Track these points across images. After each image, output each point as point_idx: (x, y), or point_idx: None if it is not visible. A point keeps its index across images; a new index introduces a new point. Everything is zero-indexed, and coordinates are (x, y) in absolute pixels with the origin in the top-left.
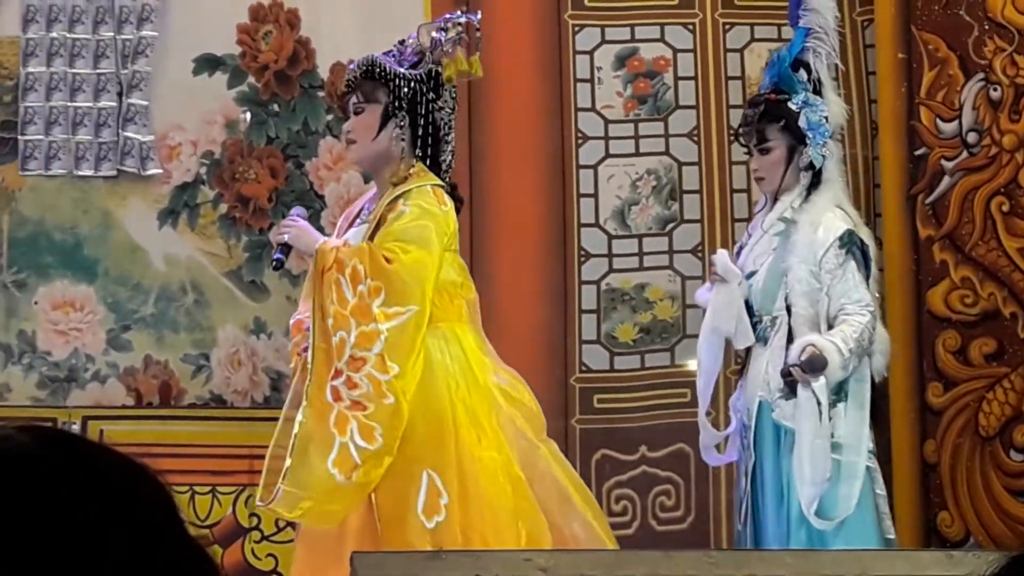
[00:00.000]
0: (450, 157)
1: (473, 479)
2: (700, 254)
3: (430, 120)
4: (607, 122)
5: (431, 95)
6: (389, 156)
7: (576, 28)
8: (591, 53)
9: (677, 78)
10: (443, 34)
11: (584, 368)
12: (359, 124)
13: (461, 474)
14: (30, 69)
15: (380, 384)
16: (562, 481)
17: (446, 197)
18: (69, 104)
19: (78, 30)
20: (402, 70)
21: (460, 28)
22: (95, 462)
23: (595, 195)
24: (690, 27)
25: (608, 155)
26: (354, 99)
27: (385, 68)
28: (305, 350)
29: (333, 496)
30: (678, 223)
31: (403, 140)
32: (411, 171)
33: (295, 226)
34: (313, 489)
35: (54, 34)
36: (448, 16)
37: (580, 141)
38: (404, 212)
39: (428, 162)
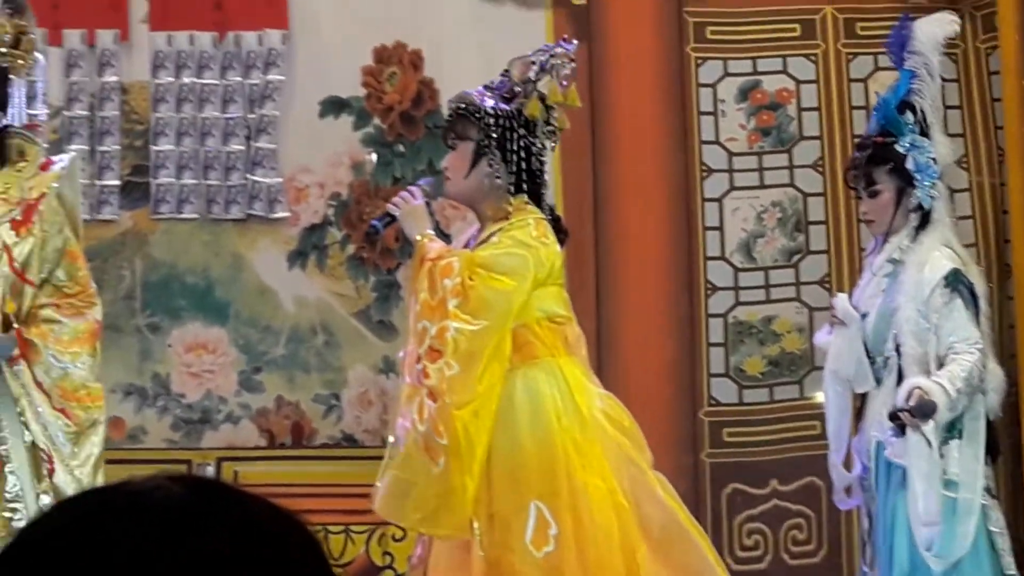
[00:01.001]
0: (548, 193)
1: (583, 510)
2: (827, 285)
3: (523, 156)
4: (731, 155)
5: (521, 130)
6: (483, 192)
7: (699, 61)
8: (714, 86)
9: (800, 109)
10: (538, 67)
11: (713, 402)
12: (452, 160)
13: (571, 506)
14: (160, 114)
15: (443, 380)
16: (672, 507)
17: (549, 231)
18: (199, 148)
19: (206, 75)
20: (491, 106)
21: (555, 59)
22: (246, 511)
23: (720, 228)
24: (813, 58)
25: (732, 188)
26: (449, 135)
27: (475, 105)
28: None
29: (429, 485)
30: (804, 255)
31: (498, 177)
32: (511, 206)
33: (410, 205)
34: (412, 472)
35: (183, 80)
36: (543, 48)
37: (704, 174)
38: (495, 242)
39: (529, 196)
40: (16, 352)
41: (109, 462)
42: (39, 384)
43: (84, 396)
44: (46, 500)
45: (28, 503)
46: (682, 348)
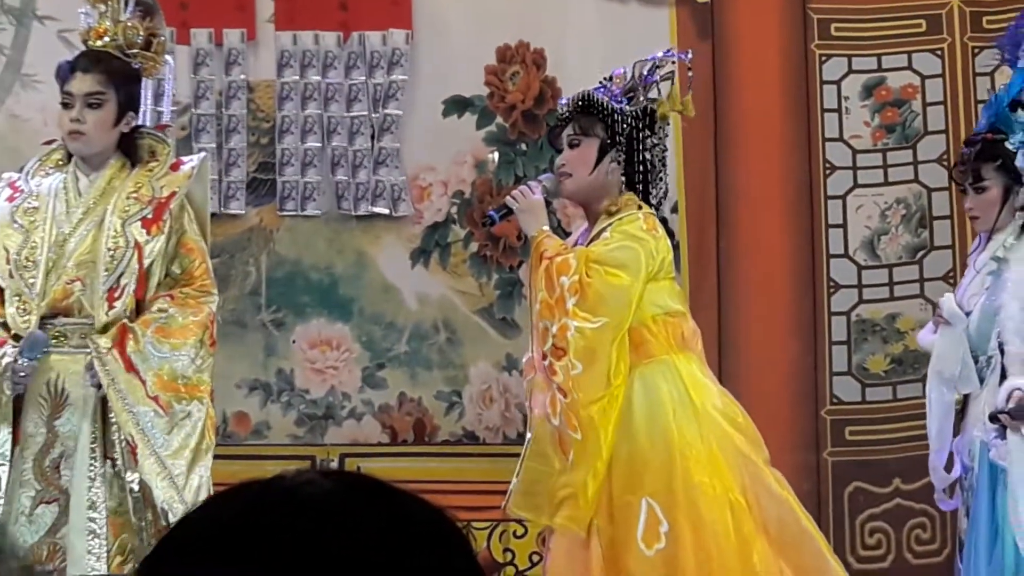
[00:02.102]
0: (663, 191)
1: (696, 508)
2: (951, 280)
3: (642, 156)
4: (855, 152)
5: (646, 131)
6: (603, 190)
7: (823, 58)
8: (838, 83)
9: (925, 104)
10: (656, 71)
11: (835, 400)
12: (574, 158)
13: (685, 504)
14: (285, 112)
15: (569, 379)
16: (789, 503)
17: (658, 223)
18: (324, 146)
19: (331, 75)
20: (619, 105)
21: (672, 65)
22: (395, 506)
23: (844, 225)
24: (938, 52)
25: (856, 185)
26: (569, 132)
27: (603, 103)
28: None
29: (557, 477)
30: (928, 250)
31: (622, 175)
32: (621, 202)
33: (528, 200)
34: (546, 463)
35: (308, 78)
36: (662, 53)
37: (828, 171)
38: (607, 237)
39: (640, 196)
40: (108, 346)
41: (234, 457)
42: (135, 371)
43: (180, 387)
44: (134, 488)
45: (79, 490)
46: (804, 347)
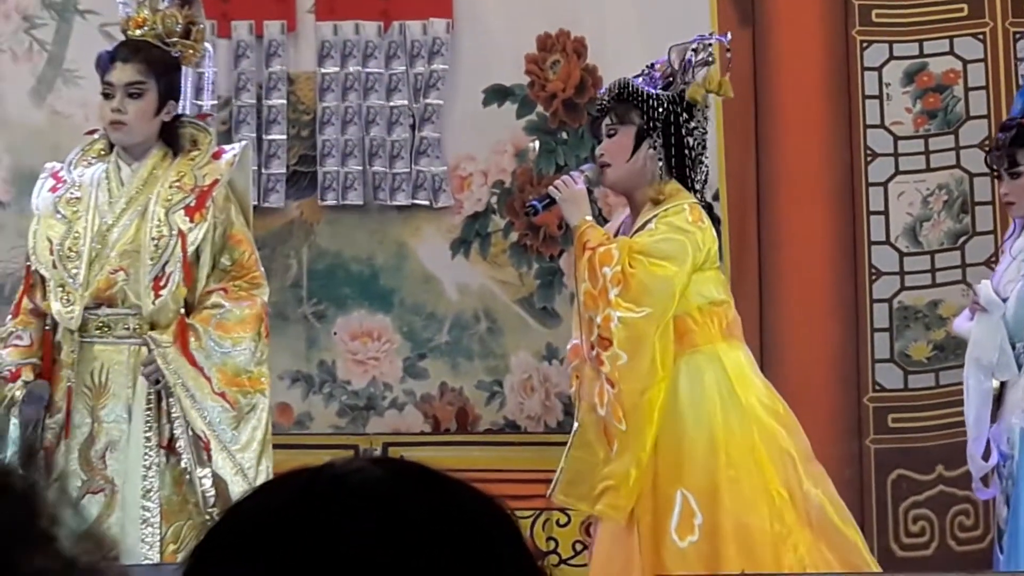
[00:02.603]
0: (704, 176)
1: (733, 501)
2: (994, 265)
3: (683, 141)
4: (896, 138)
5: (684, 116)
6: (644, 177)
7: (864, 44)
8: (879, 69)
9: (967, 89)
10: (694, 55)
11: (877, 387)
12: (613, 146)
13: (722, 496)
14: (326, 103)
15: (615, 369)
16: (820, 499)
17: (703, 214)
18: (364, 136)
19: (371, 65)
20: (654, 91)
21: (710, 49)
22: (446, 494)
23: (885, 212)
24: (980, 36)
25: (898, 172)
26: (607, 121)
27: (638, 90)
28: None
29: (601, 466)
30: (970, 236)
31: (659, 160)
32: (665, 191)
33: (571, 189)
34: (591, 453)
35: (349, 69)
36: (698, 37)
37: (869, 158)
38: (652, 229)
39: (680, 180)
40: (169, 342)
41: (280, 446)
42: (200, 368)
43: (244, 381)
44: (207, 484)
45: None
46: (846, 334)
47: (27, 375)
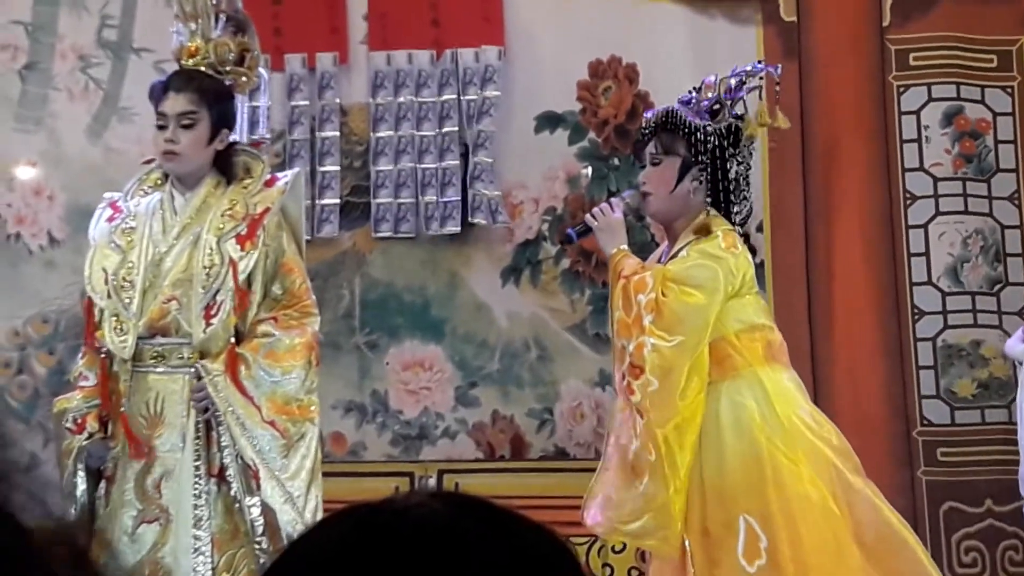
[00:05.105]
0: (746, 209)
1: (795, 521)
2: None
3: (727, 173)
4: (936, 180)
5: (731, 149)
6: (685, 208)
7: (901, 89)
8: (917, 113)
9: (997, 141)
10: (743, 86)
11: (926, 422)
12: (656, 176)
13: (783, 517)
14: (379, 134)
15: (645, 397)
16: (885, 512)
17: (738, 239)
18: (417, 166)
19: (424, 94)
20: (702, 122)
21: (759, 79)
22: (506, 528)
23: (926, 254)
24: (1008, 90)
25: (938, 212)
26: (651, 149)
27: (686, 121)
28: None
29: (636, 500)
30: (1004, 285)
31: (703, 193)
32: (704, 220)
33: (608, 218)
34: (624, 490)
35: (401, 99)
36: (747, 67)
37: (908, 201)
38: (684, 256)
39: (722, 214)
40: (219, 371)
41: (335, 474)
42: (250, 397)
43: (294, 409)
44: (255, 513)
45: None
46: (893, 370)
47: (92, 425)
